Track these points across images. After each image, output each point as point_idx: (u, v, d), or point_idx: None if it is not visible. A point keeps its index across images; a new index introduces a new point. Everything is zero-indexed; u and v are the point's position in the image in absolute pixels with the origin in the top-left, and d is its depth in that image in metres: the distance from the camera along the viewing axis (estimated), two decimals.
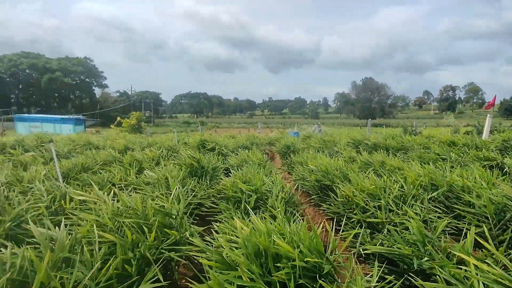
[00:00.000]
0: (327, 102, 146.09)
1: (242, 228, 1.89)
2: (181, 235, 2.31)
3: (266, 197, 3.37)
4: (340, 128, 41.82)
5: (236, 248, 1.89)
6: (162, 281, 1.86)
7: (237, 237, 1.84)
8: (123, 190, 3.60)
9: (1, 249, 2.05)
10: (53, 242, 2.08)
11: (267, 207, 3.11)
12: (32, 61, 60.56)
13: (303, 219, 2.95)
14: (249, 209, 2.81)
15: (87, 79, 67.91)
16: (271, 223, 2.05)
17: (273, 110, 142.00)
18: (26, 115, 39.76)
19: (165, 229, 2.28)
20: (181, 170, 4.65)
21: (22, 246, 1.92)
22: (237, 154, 7.08)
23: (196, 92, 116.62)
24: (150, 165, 5.84)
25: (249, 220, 2.19)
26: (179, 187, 3.31)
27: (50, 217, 3.16)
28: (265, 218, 2.28)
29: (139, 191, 3.57)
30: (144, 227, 2.40)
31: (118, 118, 26.54)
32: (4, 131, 27.31)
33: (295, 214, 3.23)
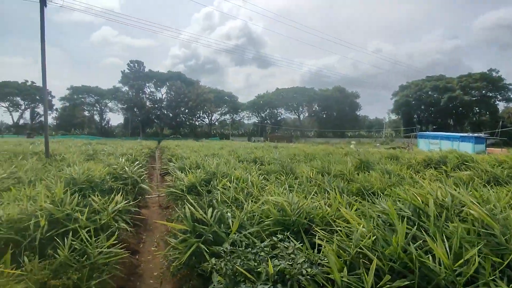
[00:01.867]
0: None
1: None
2: None
3: None
4: None
5: None
6: None
7: None
8: None
9: None
10: None
11: None
12: (434, 83, 65.50)
13: None
14: None
15: (489, 94, 61.73)
16: None
17: None
18: (427, 132, 43.46)
19: None
20: None
21: None
22: None
23: None
24: None
25: None
26: None
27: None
28: None
29: None
30: None
31: None
32: (412, 146, 31.89)
33: None
